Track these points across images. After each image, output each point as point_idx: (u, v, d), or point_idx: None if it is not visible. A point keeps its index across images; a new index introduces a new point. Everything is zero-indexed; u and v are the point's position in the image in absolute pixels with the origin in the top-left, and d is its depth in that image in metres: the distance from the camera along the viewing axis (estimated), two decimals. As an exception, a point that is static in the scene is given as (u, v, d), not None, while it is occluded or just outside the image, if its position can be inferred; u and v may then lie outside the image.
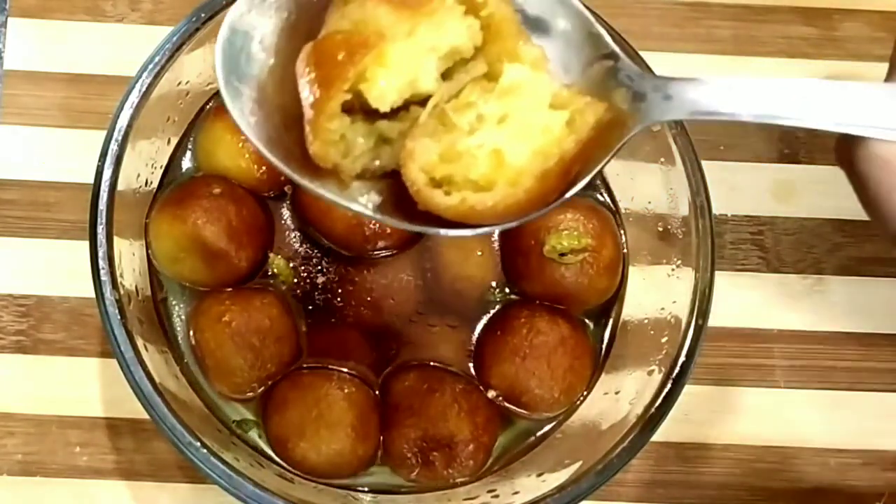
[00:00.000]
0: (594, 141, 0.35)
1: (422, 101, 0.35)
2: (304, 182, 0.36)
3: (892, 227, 0.29)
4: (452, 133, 0.35)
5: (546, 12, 0.38)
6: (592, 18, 0.37)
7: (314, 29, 0.36)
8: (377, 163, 0.36)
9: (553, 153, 0.34)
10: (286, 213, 0.54)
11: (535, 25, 0.38)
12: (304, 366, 0.52)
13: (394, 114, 0.35)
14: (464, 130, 0.35)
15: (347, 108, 0.35)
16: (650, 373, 0.48)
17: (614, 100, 0.36)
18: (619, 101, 0.36)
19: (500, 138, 0.35)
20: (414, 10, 0.34)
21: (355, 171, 0.36)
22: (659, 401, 0.46)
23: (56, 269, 0.59)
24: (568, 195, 0.36)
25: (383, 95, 0.34)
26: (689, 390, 0.46)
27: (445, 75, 0.36)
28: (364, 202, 0.37)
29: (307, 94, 0.34)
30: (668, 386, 0.46)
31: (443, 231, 0.36)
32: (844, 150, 0.30)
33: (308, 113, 0.34)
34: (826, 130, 0.31)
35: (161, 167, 0.53)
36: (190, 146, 0.53)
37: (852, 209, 0.61)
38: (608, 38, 0.37)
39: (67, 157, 0.60)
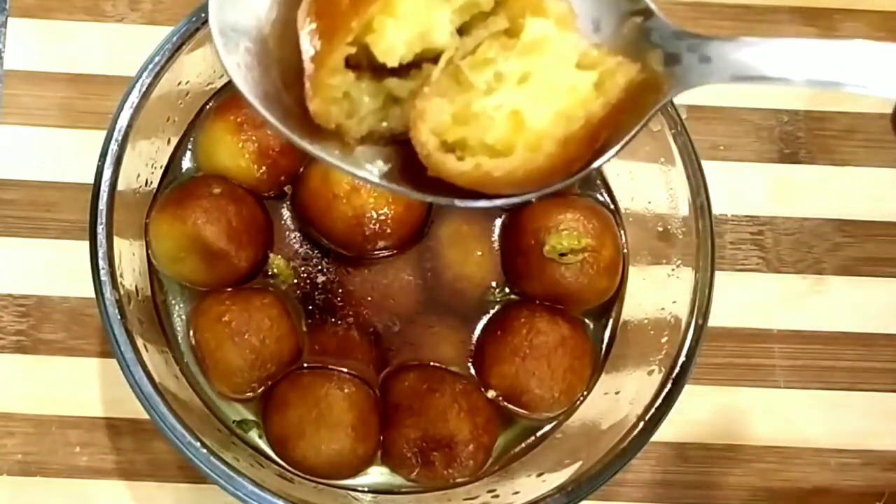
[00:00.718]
0: (625, 105, 0.32)
1: (435, 57, 0.32)
2: (304, 144, 0.33)
3: None
4: (468, 93, 0.32)
5: None
6: None
7: None
8: (385, 125, 0.34)
9: (579, 116, 0.31)
10: (286, 213, 0.54)
11: None
12: (304, 366, 0.52)
13: (404, 71, 0.33)
14: (480, 90, 0.32)
15: (353, 64, 0.32)
16: (650, 373, 0.48)
17: (648, 61, 0.33)
18: (654, 62, 0.33)
19: (521, 99, 0.32)
20: None
21: (361, 132, 0.33)
22: (659, 401, 0.46)
23: (56, 269, 0.59)
24: (595, 164, 0.33)
25: (391, 49, 0.31)
26: (689, 390, 0.46)
27: (462, 30, 0.33)
28: (370, 169, 0.34)
29: (307, 46, 0.31)
30: (668, 386, 0.46)
31: (457, 201, 0.33)
32: None
33: (308, 67, 0.32)
34: (887, 97, 0.30)
35: (161, 167, 0.53)
36: (190, 146, 0.53)
37: (852, 209, 0.62)
38: None
39: (67, 157, 0.60)
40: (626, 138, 0.33)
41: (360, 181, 0.36)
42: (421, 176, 0.33)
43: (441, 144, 0.32)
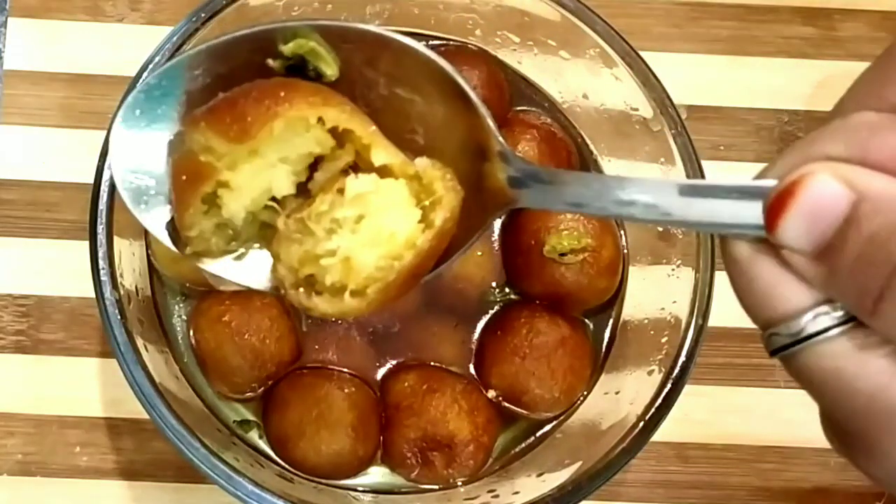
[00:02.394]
0: (464, 219, 0.36)
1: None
2: (204, 266, 0.40)
3: (750, 316, 0.29)
4: (312, 237, 0.36)
5: (419, 80, 0.37)
6: (468, 89, 0.36)
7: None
8: (266, 242, 0.38)
9: (394, 267, 0.35)
10: (286, 213, 0.54)
11: (411, 88, 0.37)
12: (304, 366, 0.52)
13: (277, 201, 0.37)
14: (321, 236, 0.35)
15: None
16: (650, 373, 0.48)
17: (493, 170, 0.36)
18: (498, 171, 0.35)
19: (353, 243, 0.35)
20: (246, 142, 0.35)
21: (248, 250, 0.39)
22: (659, 401, 0.46)
23: (56, 269, 0.59)
24: (432, 274, 0.37)
25: (234, 215, 0.36)
26: (689, 390, 0.46)
27: (318, 161, 0.37)
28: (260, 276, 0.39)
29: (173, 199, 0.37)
30: (668, 386, 0.46)
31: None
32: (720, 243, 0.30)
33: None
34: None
35: (161, 167, 0.53)
36: (190, 146, 0.53)
37: (852, 209, 0.62)
38: (487, 115, 0.36)
39: (67, 157, 0.60)
40: (473, 239, 0.37)
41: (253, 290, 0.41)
42: None
43: (297, 279, 0.36)
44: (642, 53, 0.47)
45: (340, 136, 0.36)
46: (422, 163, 0.37)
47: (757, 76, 0.64)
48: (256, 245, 0.39)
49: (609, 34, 0.48)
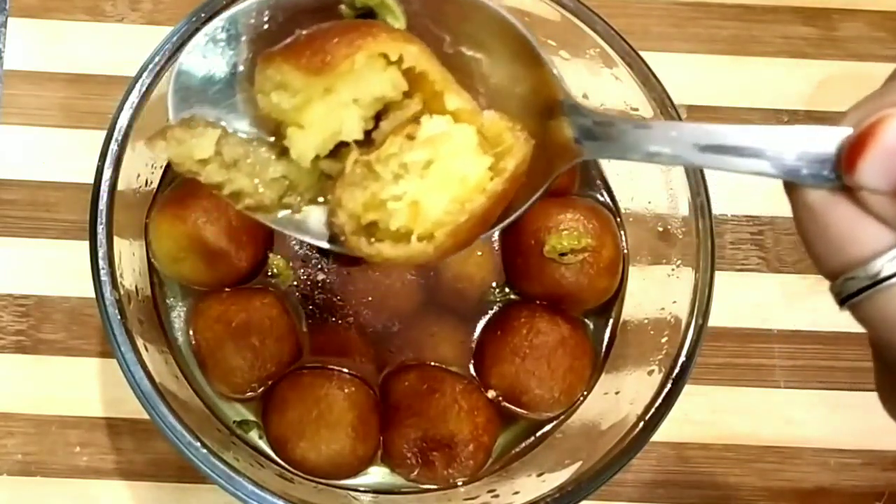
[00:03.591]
0: (526, 176, 0.36)
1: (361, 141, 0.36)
2: (258, 217, 0.38)
3: (821, 264, 0.30)
4: (378, 181, 0.35)
5: (485, 37, 0.37)
6: (535, 43, 0.36)
7: None
8: (323, 195, 0.38)
9: (465, 209, 0.35)
10: (286, 213, 0.54)
11: (476, 46, 0.37)
12: (304, 366, 0.52)
13: (337, 151, 0.36)
14: (388, 179, 0.35)
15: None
16: (650, 373, 0.48)
17: (560, 126, 0.36)
18: (564, 128, 0.35)
19: (421, 188, 0.35)
20: (325, 74, 0.34)
21: (304, 204, 0.38)
22: (659, 401, 0.46)
23: (56, 269, 0.59)
24: (497, 228, 0.37)
25: (302, 155, 0.36)
26: (689, 390, 0.46)
27: (383, 113, 0.36)
28: (320, 232, 0.38)
29: None
30: (668, 386, 0.46)
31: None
32: (788, 191, 0.30)
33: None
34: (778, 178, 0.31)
35: (161, 167, 0.53)
36: (190, 146, 0.53)
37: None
38: (555, 70, 0.36)
39: (67, 157, 0.60)
40: (524, 207, 0.37)
41: (310, 244, 0.41)
42: None
43: (358, 226, 0.36)
44: (642, 53, 0.47)
45: (412, 83, 0.36)
46: (490, 114, 0.37)
47: (757, 76, 0.64)
48: (309, 198, 0.38)
49: (609, 34, 0.48)
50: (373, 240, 0.36)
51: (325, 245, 0.38)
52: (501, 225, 0.37)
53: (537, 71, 0.36)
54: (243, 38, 0.37)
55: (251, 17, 0.37)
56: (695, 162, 0.31)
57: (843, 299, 0.28)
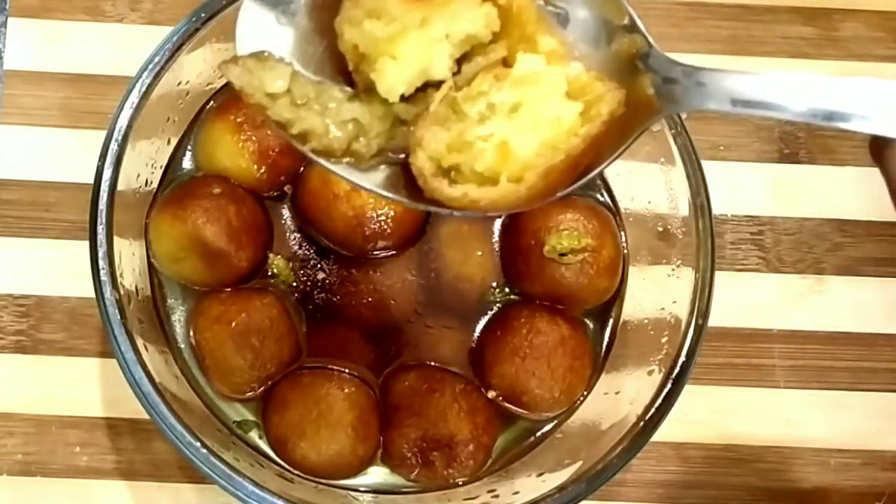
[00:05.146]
0: (612, 129, 0.34)
1: (438, 83, 0.35)
2: (321, 161, 0.36)
3: None
4: (462, 122, 0.34)
5: None
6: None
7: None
8: (392, 144, 0.36)
9: (560, 148, 0.34)
10: (286, 213, 0.54)
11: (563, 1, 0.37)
12: (304, 366, 0.52)
13: (412, 96, 0.35)
14: (474, 120, 0.34)
15: (364, 88, 0.35)
16: (650, 373, 0.48)
17: (641, 85, 0.35)
18: (646, 86, 0.35)
19: (510, 129, 0.34)
20: (425, 2, 0.33)
21: (371, 152, 0.36)
22: (659, 401, 0.46)
23: (56, 269, 0.59)
24: (578, 184, 0.35)
25: (392, 89, 0.34)
26: (689, 390, 0.46)
27: (465, 58, 0.35)
28: (377, 180, 0.36)
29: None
30: (668, 386, 0.46)
31: (455, 213, 0.35)
32: (878, 150, 0.30)
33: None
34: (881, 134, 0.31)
35: (161, 167, 0.53)
36: (190, 146, 0.53)
37: (852, 209, 0.62)
38: (639, 22, 0.36)
39: (67, 157, 0.60)
40: (613, 157, 0.35)
41: (366, 192, 0.38)
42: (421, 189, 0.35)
43: (438, 169, 0.34)
44: (642, 53, 0.47)
45: (504, 24, 0.35)
46: (577, 65, 0.36)
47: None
48: (378, 146, 0.36)
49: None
50: (455, 183, 0.34)
51: (388, 195, 0.36)
52: (580, 182, 0.36)
53: (622, 24, 0.36)
54: None
55: None
56: (792, 115, 0.30)
57: None
